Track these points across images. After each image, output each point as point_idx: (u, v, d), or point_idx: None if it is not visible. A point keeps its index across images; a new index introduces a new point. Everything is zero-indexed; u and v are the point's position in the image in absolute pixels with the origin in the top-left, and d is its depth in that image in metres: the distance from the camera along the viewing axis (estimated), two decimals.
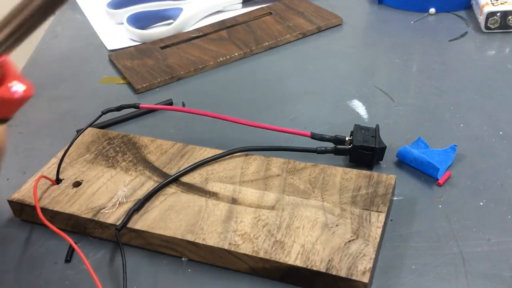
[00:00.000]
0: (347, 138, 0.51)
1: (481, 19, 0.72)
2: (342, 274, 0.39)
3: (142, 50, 0.74)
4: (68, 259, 0.45)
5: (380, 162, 0.51)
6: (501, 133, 0.54)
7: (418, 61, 0.68)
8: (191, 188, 0.48)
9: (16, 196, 0.48)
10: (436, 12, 0.78)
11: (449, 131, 0.55)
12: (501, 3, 0.71)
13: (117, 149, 0.53)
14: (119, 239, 0.44)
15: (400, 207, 0.47)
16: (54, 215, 0.47)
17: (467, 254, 0.42)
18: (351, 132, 0.52)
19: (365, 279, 0.38)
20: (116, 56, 0.73)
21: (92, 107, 0.63)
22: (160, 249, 0.45)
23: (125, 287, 0.40)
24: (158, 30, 0.78)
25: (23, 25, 0.39)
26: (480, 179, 0.49)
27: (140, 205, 0.46)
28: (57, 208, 0.47)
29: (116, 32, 0.80)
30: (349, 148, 0.50)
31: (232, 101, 0.63)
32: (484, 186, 0.48)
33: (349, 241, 0.41)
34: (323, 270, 0.39)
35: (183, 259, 0.44)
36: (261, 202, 0.46)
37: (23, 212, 0.48)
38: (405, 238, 0.44)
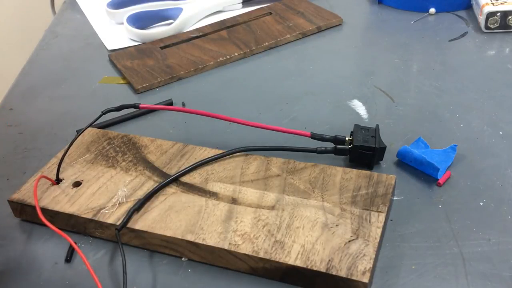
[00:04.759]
0: (347, 138, 0.51)
1: (481, 19, 0.72)
2: (342, 274, 0.39)
3: (142, 50, 0.74)
4: (68, 259, 0.45)
5: (380, 162, 0.51)
6: (501, 133, 0.54)
7: (418, 61, 0.68)
8: (191, 188, 0.48)
9: (16, 196, 0.48)
10: (436, 12, 0.78)
11: (449, 131, 0.55)
12: (501, 3, 0.71)
13: (117, 149, 0.53)
14: (119, 239, 0.44)
15: (400, 207, 0.47)
16: (54, 215, 0.47)
17: (467, 254, 0.42)
18: (351, 132, 0.52)
19: (365, 279, 0.38)
20: (116, 56, 0.73)
21: (92, 107, 0.63)
22: (160, 249, 0.45)
23: (125, 287, 0.40)
24: (158, 30, 0.78)
25: None
26: (480, 179, 0.49)
27: (140, 205, 0.46)
28: (57, 208, 0.47)
29: (116, 32, 0.80)
30: (349, 148, 0.50)
31: (232, 101, 0.63)
32: (484, 186, 0.48)
33: (349, 241, 0.41)
34: (323, 270, 0.39)
35: (183, 259, 0.44)
36: (261, 202, 0.46)
37: (23, 212, 0.48)
38: (405, 238, 0.44)
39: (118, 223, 0.44)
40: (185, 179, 0.49)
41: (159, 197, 0.47)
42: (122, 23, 0.79)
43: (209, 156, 0.51)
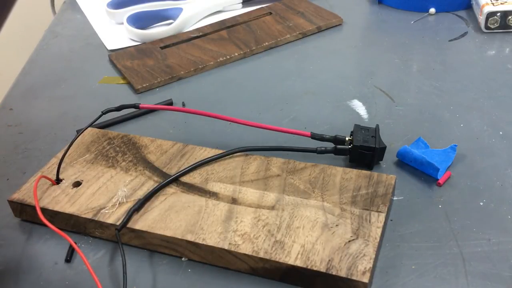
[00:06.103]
0: (347, 138, 0.51)
1: (481, 19, 0.72)
2: (342, 274, 0.39)
3: (142, 50, 0.74)
4: (68, 259, 0.45)
5: (380, 162, 0.51)
6: (501, 133, 0.54)
7: (418, 61, 0.68)
8: (191, 188, 0.48)
9: (16, 196, 0.48)
10: (436, 12, 0.78)
11: (449, 131, 0.55)
12: (501, 3, 0.71)
13: (117, 149, 0.53)
14: (119, 239, 0.44)
15: (400, 207, 0.47)
16: (54, 215, 0.47)
17: (467, 254, 0.42)
18: (351, 132, 0.52)
19: (365, 279, 0.38)
20: (116, 56, 0.73)
21: (92, 107, 0.63)
22: (160, 249, 0.45)
23: (125, 287, 0.40)
24: (158, 30, 0.78)
25: None
26: (480, 179, 0.49)
27: (140, 205, 0.46)
28: (57, 208, 0.47)
29: (116, 32, 0.80)
30: (349, 148, 0.50)
31: (232, 101, 0.63)
32: (484, 186, 0.48)
33: (349, 241, 0.41)
34: (323, 270, 0.39)
35: (183, 259, 0.44)
36: (261, 202, 0.46)
37: (23, 212, 0.48)
38: (405, 238, 0.44)
39: (118, 223, 0.44)
40: (185, 179, 0.49)
41: (159, 197, 0.47)
42: (122, 23, 0.79)
43: (209, 156, 0.51)
